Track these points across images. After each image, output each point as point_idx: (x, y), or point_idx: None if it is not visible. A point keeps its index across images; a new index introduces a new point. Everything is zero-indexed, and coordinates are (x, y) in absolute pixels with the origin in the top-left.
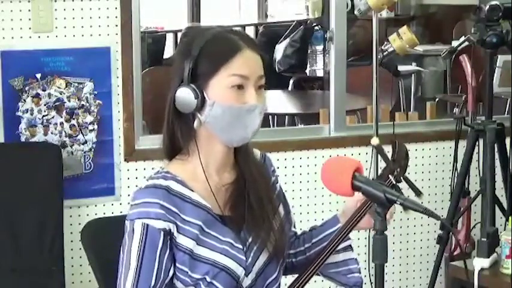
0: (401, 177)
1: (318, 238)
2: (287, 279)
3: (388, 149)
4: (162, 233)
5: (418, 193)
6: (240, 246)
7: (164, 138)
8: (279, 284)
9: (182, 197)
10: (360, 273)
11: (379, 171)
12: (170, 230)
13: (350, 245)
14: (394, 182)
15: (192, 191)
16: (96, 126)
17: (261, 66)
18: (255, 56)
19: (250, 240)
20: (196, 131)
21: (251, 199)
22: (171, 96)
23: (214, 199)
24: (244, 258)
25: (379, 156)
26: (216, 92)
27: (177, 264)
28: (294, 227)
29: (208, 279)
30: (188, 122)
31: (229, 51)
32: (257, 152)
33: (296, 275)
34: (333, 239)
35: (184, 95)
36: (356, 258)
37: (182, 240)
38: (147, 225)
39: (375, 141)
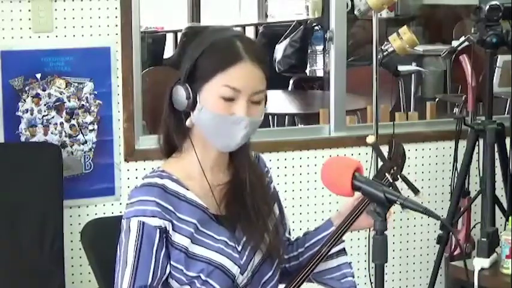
0: (399, 176)
1: (311, 242)
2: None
3: (386, 149)
4: (158, 230)
5: (415, 191)
6: (235, 245)
7: (160, 133)
8: (276, 282)
9: (177, 195)
10: (353, 277)
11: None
12: (166, 227)
13: (343, 249)
14: (391, 181)
15: (187, 189)
16: (96, 126)
17: (261, 80)
18: (255, 69)
19: (244, 239)
20: (190, 129)
21: (246, 200)
22: (169, 92)
23: (209, 198)
24: (239, 256)
25: (376, 155)
26: (207, 98)
27: (172, 263)
28: (289, 233)
29: (203, 277)
30: (181, 120)
31: (229, 60)
32: (251, 153)
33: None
34: (329, 237)
35: (178, 93)
36: (350, 262)
37: (177, 238)
38: (143, 223)
39: (370, 139)
